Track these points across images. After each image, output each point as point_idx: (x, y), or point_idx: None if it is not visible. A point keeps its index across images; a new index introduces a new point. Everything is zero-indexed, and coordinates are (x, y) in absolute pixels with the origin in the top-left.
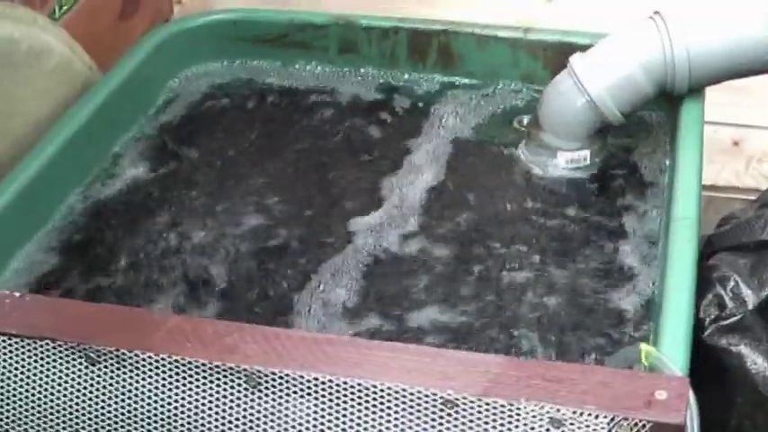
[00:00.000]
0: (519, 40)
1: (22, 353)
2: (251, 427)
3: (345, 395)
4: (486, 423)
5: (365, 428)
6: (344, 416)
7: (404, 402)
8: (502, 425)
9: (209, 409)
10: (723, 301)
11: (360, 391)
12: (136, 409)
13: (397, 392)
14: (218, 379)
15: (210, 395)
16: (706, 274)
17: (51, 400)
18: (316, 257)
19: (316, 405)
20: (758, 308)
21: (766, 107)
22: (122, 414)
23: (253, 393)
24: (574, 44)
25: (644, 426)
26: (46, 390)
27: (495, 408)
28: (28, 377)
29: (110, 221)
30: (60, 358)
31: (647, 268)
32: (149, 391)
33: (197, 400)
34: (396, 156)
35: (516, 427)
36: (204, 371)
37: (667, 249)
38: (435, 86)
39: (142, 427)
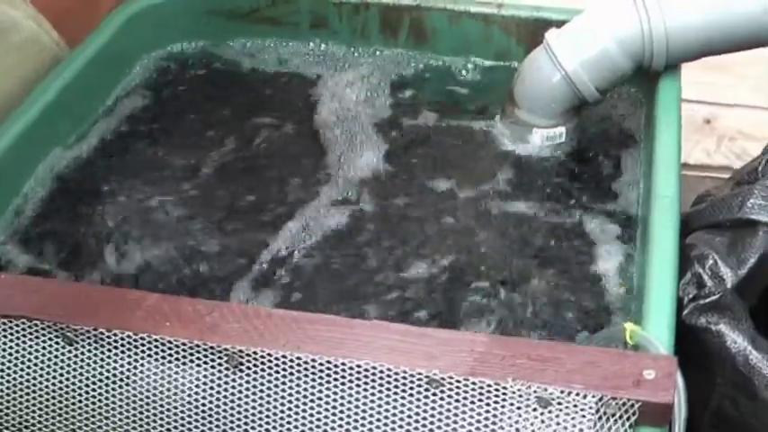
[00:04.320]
0: (492, 16)
1: None
2: (232, 408)
3: (329, 375)
4: (473, 403)
5: (349, 409)
6: (328, 396)
7: (389, 382)
8: (488, 404)
9: (190, 389)
10: (702, 280)
11: (343, 370)
12: (114, 389)
13: (381, 372)
14: (199, 358)
15: (191, 375)
16: (683, 252)
17: (28, 381)
18: (280, 220)
19: (298, 385)
20: (737, 286)
21: (738, 85)
22: (101, 394)
23: (234, 373)
24: (548, 20)
25: (632, 405)
26: (22, 370)
27: (481, 387)
28: (3, 357)
29: (76, 197)
30: (37, 338)
31: (624, 248)
32: (128, 371)
33: (177, 380)
34: (367, 132)
35: (503, 406)
36: (184, 350)
37: (648, 228)
38: (407, 62)
39: (121, 407)
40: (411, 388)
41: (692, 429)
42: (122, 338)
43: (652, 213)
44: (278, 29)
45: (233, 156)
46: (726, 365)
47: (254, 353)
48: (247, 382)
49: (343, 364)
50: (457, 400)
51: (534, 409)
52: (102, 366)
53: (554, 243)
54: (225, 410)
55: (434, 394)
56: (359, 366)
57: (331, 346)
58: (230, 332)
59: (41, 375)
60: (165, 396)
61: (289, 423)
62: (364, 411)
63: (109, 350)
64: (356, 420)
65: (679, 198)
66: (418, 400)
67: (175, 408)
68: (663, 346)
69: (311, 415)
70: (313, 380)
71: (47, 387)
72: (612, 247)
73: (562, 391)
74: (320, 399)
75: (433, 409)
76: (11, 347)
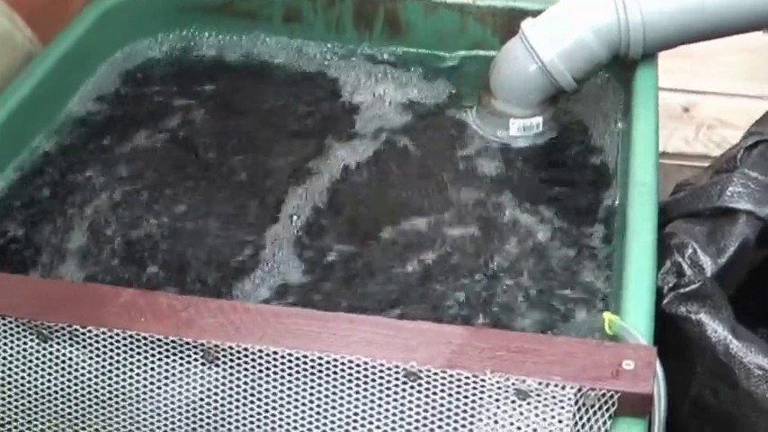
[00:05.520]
0: (467, 6)
1: None
2: (209, 403)
3: (305, 369)
4: (451, 395)
5: (326, 403)
6: (305, 390)
7: (366, 376)
8: (466, 397)
9: (166, 384)
10: (681, 269)
11: (320, 364)
12: (90, 385)
13: (358, 366)
14: (175, 354)
15: (167, 370)
16: (663, 241)
17: (2, 378)
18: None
19: (275, 380)
20: (716, 275)
21: (717, 73)
22: (77, 391)
23: (210, 368)
24: (523, 9)
25: (612, 396)
26: None
27: (459, 380)
28: None
29: (49, 195)
30: (11, 335)
31: (602, 238)
32: (104, 367)
33: (153, 376)
34: (343, 126)
35: (481, 399)
36: (160, 346)
37: (626, 217)
38: (382, 55)
39: (97, 404)
40: (388, 381)
41: (671, 419)
42: (97, 335)
43: (630, 201)
44: (252, 23)
45: (208, 148)
46: (706, 354)
47: (231, 347)
48: (224, 377)
49: (320, 357)
50: (435, 393)
51: (513, 401)
52: (77, 363)
53: (530, 232)
54: (201, 405)
55: (412, 387)
56: (336, 360)
57: (308, 341)
58: (206, 327)
59: (16, 373)
60: (141, 392)
61: (266, 418)
62: (341, 405)
63: (84, 347)
64: (333, 414)
65: (657, 186)
66: (396, 393)
67: (151, 403)
68: (642, 336)
69: (288, 410)
70: (290, 374)
71: (21, 385)
72: (591, 236)
73: (540, 383)
74: (297, 393)
75: (410, 401)
76: None
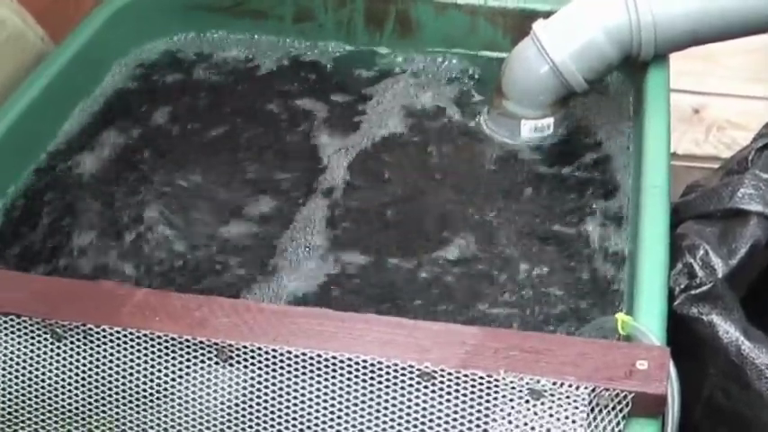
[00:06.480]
0: (478, 7)
1: None
2: (222, 402)
3: (319, 368)
4: (465, 395)
5: (340, 402)
6: (319, 390)
7: (380, 376)
8: (480, 397)
9: (180, 384)
10: (693, 270)
11: (334, 364)
12: (104, 385)
13: (373, 365)
14: (189, 353)
15: (181, 370)
16: (674, 242)
17: (16, 377)
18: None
19: (289, 379)
20: (728, 276)
21: (727, 75)
22: (90, 390)
23: (224, 368)
24: (534, 10)
25: (625, 396)
26: (11, 367)
27: (473, 380)
28: None
29: (62, 197)
30: (25, 334)
31: (614, 238)
32: (117, 366)
33: (167, 375)
34: (353, 126)
35: (495, 399)
36: (174, 345)
37: (639, 219)
38: (393, 55)
39: (111, 403)
40: (402, 381)
41: (684, 420)
42: (111, 334)
43: (642, 203)
44: (263, 22)
45: (217, 148)
46: (718, 356)
47: (244, 347)
48: (237, 376)
49: (333, 357)
50: (449, 393)
51: (527, 401)
52: (91, 362)
53: (542, 232)
54: (215, 404)
55: (426, 387)
56: (350, 360)
57: (322, 340)
58: (220, 327)
59: (30, 372)
60: (155, 391)
61: (280, 417)
62: (355, 405)
63: (98, 345)
64: (347, 414)
65: (669, 188)
66: (410, 393)
67: (165, 402)
68: (655, 337)
69: (302, 409)
70: (304, 374)
71: (36, 383)
72: (603, 236)
73: (554, 383)
74: (311, 393)
75: (424, 402)
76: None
